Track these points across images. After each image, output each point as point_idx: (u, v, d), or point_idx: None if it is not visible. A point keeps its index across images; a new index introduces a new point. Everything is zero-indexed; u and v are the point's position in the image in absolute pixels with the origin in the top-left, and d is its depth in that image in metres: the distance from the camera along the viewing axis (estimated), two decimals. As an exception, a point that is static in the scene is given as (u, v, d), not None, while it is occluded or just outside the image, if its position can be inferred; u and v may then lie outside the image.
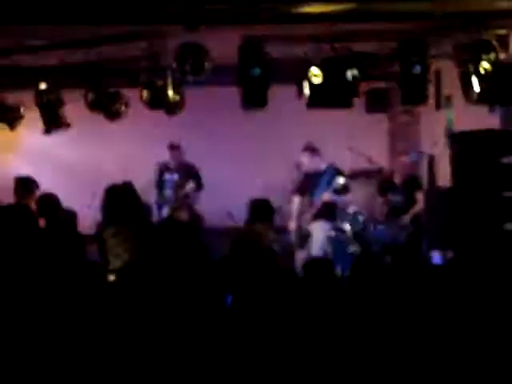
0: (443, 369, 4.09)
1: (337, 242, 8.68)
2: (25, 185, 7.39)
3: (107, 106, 8.09)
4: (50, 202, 6.63)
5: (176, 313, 4.40)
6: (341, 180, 8.31)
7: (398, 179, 9.19)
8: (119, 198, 6.14)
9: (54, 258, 5.07)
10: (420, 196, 9.01)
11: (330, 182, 8.42)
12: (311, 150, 8.61)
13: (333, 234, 8.59)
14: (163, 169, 9.33)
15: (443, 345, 4.21)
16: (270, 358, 4.09)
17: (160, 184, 9.31)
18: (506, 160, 7.60)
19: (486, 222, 7.48)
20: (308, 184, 8.67)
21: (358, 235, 8.90)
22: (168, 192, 9.24)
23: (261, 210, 6.98)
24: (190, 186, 9.09)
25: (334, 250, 8.54)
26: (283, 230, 8.93)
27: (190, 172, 9.24)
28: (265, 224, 6.89)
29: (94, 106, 8.07)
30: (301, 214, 8.69)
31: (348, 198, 8.62)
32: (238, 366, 4.03)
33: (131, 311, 4.27)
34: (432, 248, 8.59)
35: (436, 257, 8.42)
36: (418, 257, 5.74)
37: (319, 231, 8.44)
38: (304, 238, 8.51)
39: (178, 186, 9.18)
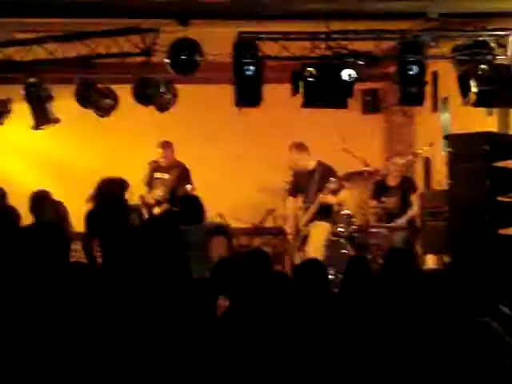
0: (436, 370, 4.01)
1: (331, 244, 8.58)
2: None
3: (97, 102, 7.97)
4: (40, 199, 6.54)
5: (164, 316, 4.29)
6: (333, 181, 8.22)
7: (392, 181, 9.10)
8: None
9: (38, 258, 4.94)
10: (415, 198, 8.92)
11: (322, 181, 8.32)
12: (297, 146, 8.51)
13: (329, 236, 8.50)
14: (154, 167, 9.19)
15: (435, 350, 4.14)
16: (260, 362, 4.00)
17: (150, 183, 9.18)
18: (501, 163, 7.52)
19: (480, 226, 7.40)
20: (299, 184, 8.57)
21: (352, 238, 8.81)
22: (159, 191, 9.09)
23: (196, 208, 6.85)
24: (188, 187, 8.92)
25: (329, 253, 8.44)
26: (279, 232, 8.84)
27: (181, 172, 9.08)
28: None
29: (84, 102, 7.95)
30: (296, 215, 8.59)
31: (342, 197, 8.51)
32: (227, 370, 3.94)
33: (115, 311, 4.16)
34: (427, 252, 8.51)
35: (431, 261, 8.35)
36: (412, 262, 5.66)
37: (318, 233, 8.33)
38: (302, 240, 8.40)
39: (171, 186, 9.02)
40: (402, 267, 5.29)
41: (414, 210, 8.87)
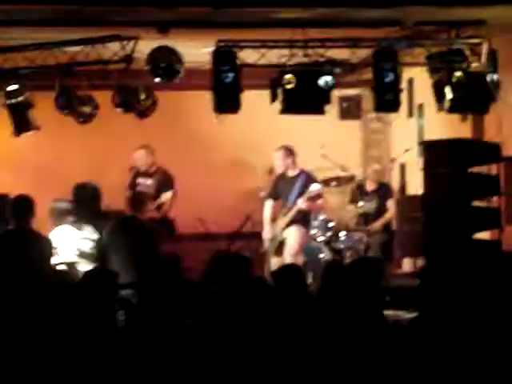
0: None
1: (309, 248, 8.67)
2: None
3: (77, 109, 8.01)
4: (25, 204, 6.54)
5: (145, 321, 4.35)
6: (316, 187, 8.28)
7: (370, 186, 9.21)
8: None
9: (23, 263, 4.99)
10: (391, 203, 9.04)
11: (303, 188, 8.37)
12: (285, 149, 8.55)
13: (307, 241, 8.56)
14: (136, 173, 9.18)
15: (413, 353, 4.21)
16: (241, 366, 4.06)
17: (133, 187, 9.16)
18: (476, 169, 7.64)
19: (455, 230, 7.50)
20: (281, 188, 8.62)
21: (329, 242, 8.91)
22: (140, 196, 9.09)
23: None
24: (167, 195, 8.93)
25: (306, 258, 8.51)
26: (257, 237, 8.90)
27: (164, 178, 9.07)
28: None
29: (64, 109, 7.99)
30: (274, 219, 8.64)
31: (320, 204, 8.59)
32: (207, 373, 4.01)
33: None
34: (403, 255, 8.62)
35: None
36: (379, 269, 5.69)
37: (296, 238, 8.38)
38: (279, 245, 8.45)
39: (152, 192, 9.01)
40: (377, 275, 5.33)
41: (390, 214, 9.01)
